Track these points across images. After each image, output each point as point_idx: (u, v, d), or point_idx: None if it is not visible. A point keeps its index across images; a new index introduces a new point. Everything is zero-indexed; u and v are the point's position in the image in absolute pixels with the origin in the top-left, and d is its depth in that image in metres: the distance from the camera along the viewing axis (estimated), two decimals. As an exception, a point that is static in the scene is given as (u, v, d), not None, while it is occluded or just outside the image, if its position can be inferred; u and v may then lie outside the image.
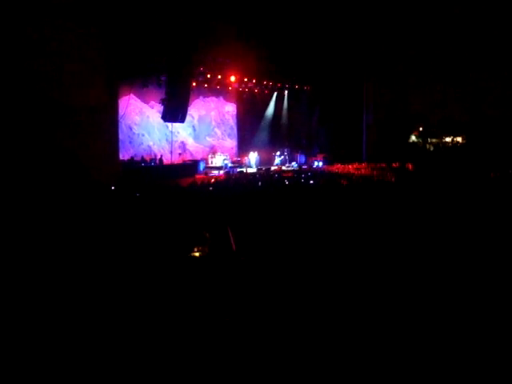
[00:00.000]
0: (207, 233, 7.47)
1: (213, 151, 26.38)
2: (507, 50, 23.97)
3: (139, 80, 21.66)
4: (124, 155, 21.95)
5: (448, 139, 27.45)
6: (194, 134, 26.27)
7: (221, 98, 27.71)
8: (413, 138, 27.83)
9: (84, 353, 4.26)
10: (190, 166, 23.67)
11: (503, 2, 23.28)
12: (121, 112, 21.16)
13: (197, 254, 6.51)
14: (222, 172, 24.20)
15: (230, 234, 7.67)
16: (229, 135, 28.49)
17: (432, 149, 27.35)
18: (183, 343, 4.41)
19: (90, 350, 4.31)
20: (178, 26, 19.60)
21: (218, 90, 26.13)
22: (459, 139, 27.11)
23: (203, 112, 26.80)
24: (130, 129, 23.03)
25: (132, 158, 22.14)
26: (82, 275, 6.09)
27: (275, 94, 28.57)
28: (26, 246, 7.19)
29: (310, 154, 28.37)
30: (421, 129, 27.63)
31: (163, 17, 19.28)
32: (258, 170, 25.03)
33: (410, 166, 23.15)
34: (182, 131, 25.29)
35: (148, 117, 23.77)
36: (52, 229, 8.44)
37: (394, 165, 23.74)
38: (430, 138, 27.59)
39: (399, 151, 25.93)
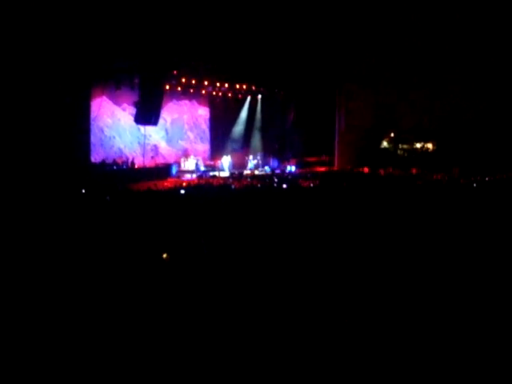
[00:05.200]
0: (175, 236, 7.44)
1: (185, 155, 26.24)
2: (477, 56, 24.44)
3: (112, 82, 21.46)
4: (95, 158, 21.73)
5: (418, 145, 27.83)
6: (166, 137, 26.11)
7: (194, 102, 27.60)
8: (384, 143, 28.15)
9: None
10: (163, 170, 23.54)
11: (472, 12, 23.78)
12: (93, 114, 20.98)
13: (166, 258, 6.47)
14: (194, 176, 24.12)
15: (202, 237, 7.64)
16: (201, 139, 28.39)
17: (403, 154, 27.70)
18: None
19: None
20: (150, 28, 19.50)
21: (191, 93, 26.02)
22: (430, 146, 27.50)
23: (176, 115, 26.67)
24: (102, 131, 22.79)
25: (103, 160, 21.90)
26: (51, 279, 6.00)
27: (248, 98, 28.59)
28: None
29: (283, 159, 28.46)
30: (392, 135, 27.97)
31: (136, 19, 19.17)
32: (231, 173, 25.02)
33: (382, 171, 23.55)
34: (154, 134, 25.12)
35: (120, 119, 23.54)
36: (20, 232, 8.31)
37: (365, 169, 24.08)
38: (402, 144, 27.94)
39: (371, 157, 26.23)
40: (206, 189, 17.01)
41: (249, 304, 5.31)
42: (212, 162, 27.15)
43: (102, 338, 4.53)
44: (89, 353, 4.26)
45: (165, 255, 6.15)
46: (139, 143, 24.38)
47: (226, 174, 25.14)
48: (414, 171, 23.54)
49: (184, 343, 4.46)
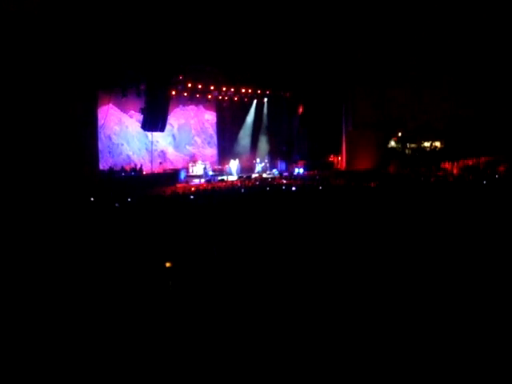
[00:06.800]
0: (185, 241, 7.44)
1: (193, 160, 26.29)
2: (483, 54, 24.35)
3: (118, 90, 21.51)
4: (103, 165, 21.79)
5: (427, 144, 27.74)
6: (173, 142, 26.19)
7: (200, 107, 27.67)
8: (392, 143, 28.04)
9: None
10: (171, 175, 23.57)
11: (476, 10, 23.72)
12: (100, 122, 21.03)
13: (176, 263, 6.46)
14: (202, 180, 24.14)
15: (212, 241, 7.64)
16: (209, 143, 28.43)
17: (411, 154, 27.60)
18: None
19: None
20: (155, 34, 19.55)
21: (198, 98, 26.09)
22: (438, 144, 27.41)
23: (183, 121, 26.73)
24: (110, 139, 22.89)
25: (111, 167, 21.97)
26: (60, 285, 6.01)
27: (255, 101, 28.59)
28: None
29: (291, 161, 28.41)
30: (400, 134, 27.87)
31: (140, 25, 19.22)
32: (239, 177, 25.04)
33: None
34: (161, 140, 25.20)
35: (127, 126, 23.64)
36: (31, 240, 8.33)
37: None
38: (409, 143, 27.84)
39: (379, 157, 26.13)
40: (215, 194, 16.99)
41: (257, 305, 5.30)
42: (220, 167, 27.20)
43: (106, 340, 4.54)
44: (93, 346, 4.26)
45: (168, 264, 6.15)
46: (147, 149, 24.46)
47: (234, 177, 25.15)
48: (422, 170, 23.45)
49: (188, 343, 4.46)
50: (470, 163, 22.31)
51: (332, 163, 28.17)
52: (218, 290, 5.83)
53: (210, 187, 20.02)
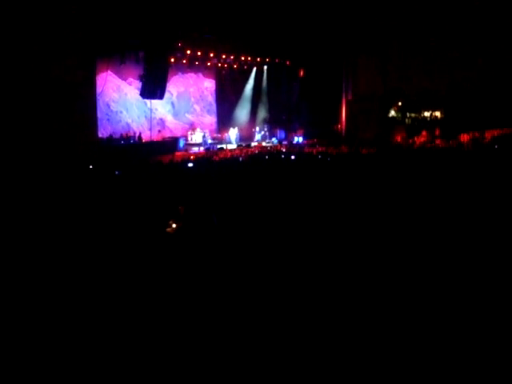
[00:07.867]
0: (185, 208, 7.47)
1: (192, 128, 26.16)
2: (482, 24, 24.10)
3: (117, 56, 21.26)
4: (102, 133, 21.69)
5: (427, 113, 27.60)
6: (172, 110, 26.02)
7: (199, 74, 27.41)
8: (392, 112, 27.88)
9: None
10: (170, 143, 23.49)
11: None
12: (98, 89, 20.85)
13: (174, 230, 6.51)
14: (201, 149, 24.08)
15: (212, 209, 7.67)
16: (208, 111, 28.27)
17: (411, 123, 27.49)
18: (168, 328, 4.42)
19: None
20: (155, 1, 19.27)
21: (197, 65, 25.78)
22: (438, 113, 27.28)
23: (182, 88, 26.52)
24: (108, 106, 22.72)
25: (110, 135, 21.88)
26: (61, 255, 6.05)
27: (254, 69, 28.32)
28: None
29: (290, 130, 28.30)
30: (400, 103, 27.70)
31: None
32: (239, 146, 24.99)
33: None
34: (160, 108, 25.03)
35: (126, 94, 23.44)
36: (28, 209, 8.36)
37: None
38: (409, 113, 27.70)
39: (379, 126, 26.03)
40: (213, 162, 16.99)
41: (256, 273, 5.35)
42: (219, 135, 27.09)
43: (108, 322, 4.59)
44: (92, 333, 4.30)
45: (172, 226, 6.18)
46: (146, 117, 24.31)
47: (233, 146, 25.08)
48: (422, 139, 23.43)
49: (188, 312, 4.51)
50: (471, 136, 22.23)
51: (336, 132, 27.98)
52: (218, 258, 5.88)
53: (208, 156, 20.01)
